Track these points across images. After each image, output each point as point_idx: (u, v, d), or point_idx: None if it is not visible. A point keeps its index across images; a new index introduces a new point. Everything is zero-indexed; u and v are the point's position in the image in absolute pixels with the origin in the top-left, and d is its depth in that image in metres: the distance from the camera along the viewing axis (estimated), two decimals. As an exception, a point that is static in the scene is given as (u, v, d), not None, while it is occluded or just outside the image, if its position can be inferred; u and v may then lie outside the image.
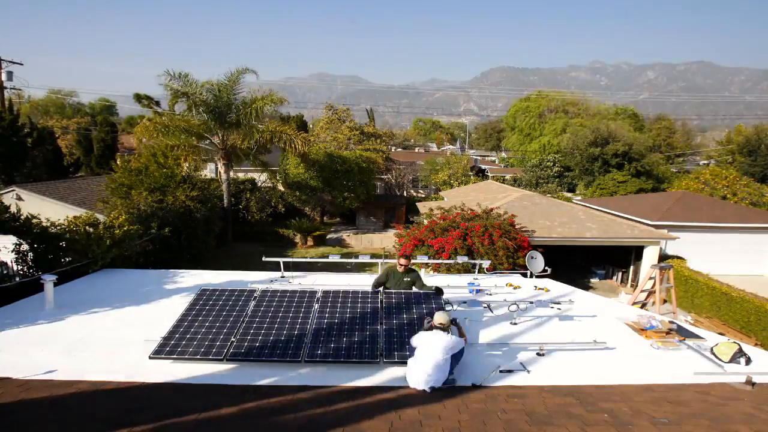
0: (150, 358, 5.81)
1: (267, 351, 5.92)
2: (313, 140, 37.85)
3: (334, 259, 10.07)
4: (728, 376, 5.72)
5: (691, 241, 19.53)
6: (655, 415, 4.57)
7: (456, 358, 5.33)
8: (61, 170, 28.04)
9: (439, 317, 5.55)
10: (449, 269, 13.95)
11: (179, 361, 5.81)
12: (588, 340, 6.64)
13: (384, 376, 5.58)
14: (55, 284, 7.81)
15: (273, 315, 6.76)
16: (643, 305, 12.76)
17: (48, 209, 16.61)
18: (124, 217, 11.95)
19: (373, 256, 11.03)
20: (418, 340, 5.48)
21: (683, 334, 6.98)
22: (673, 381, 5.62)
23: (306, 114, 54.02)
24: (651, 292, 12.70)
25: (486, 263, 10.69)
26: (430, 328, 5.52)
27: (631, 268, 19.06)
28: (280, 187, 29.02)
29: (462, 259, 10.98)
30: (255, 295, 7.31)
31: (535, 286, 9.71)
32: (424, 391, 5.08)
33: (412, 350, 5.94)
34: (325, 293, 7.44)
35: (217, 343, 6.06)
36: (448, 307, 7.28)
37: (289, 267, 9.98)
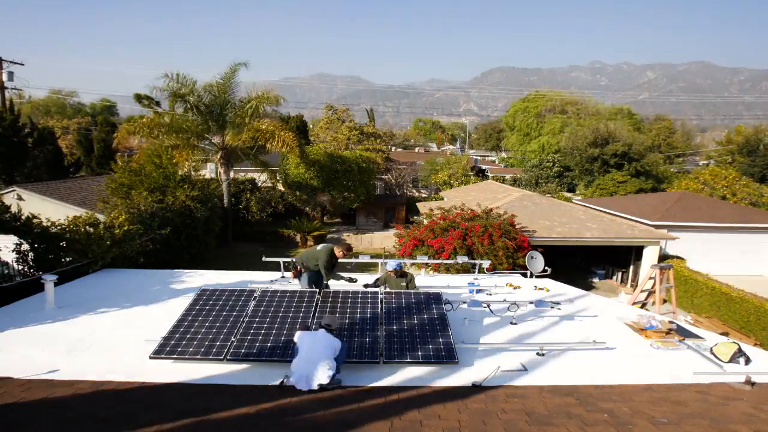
0: (150, 358, 5.82)
1: (267, 351, 5.93)
2: (313, 140, 37.90)
3: (334, 259, 10.05)
4: (728, 376, 5.73)
5: (691, 241, 19.54)
6: (654, 415, 4.58)
7: (339, 360, 5.37)
8: (62, 170, 28.04)
9: (329, 319, 5.66)
10: (449, 269, 13.95)
11: (179, 361, 5.82)
12: (588, 340, 6.65)
13: (384, 376, 5.58)
14: (56, 284, 7.82)
15: (273, 315, 6.77)
16: (643, 305, 12.77)
17: (48, 209, 16.60)
18: (124, 217, 11.96)
19: (373, 256, 11.04)
20: (300, 338, 5.50)
21: (683, 334, 6.99)
22: (672, 381, 5.62)
23: (306, 114, 54.00)
24: (651, 292, 12.71)
25: (486, 263, 10.70)
26: (317, 328, 5.59)
27: (631, 268, 19.06)
28: (280, 187, 29.03)
29: (462, 259, 10.99)
30: (255, 295, 7.32)
31: (535, 286, 9.72)
32: (310, 390, 5.03)
33: (414, 351, 5.96)
34: (325, 293, 7.46)
35: (218, 343, 6.06)
36: (447, 307, 7.28)
37: (289, 267, 9.97)
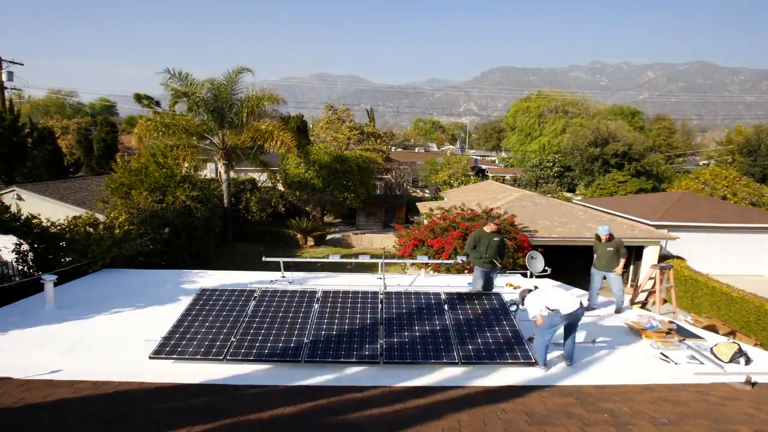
0: (150, 358, 5.82)
1: (267, 351, 5.92)
2: (313, 140, 37.88)
3: (334, 259, 10.06)
4: (728, 376, 5.72)
5: (691, 241, 19.53)
6: (655, 415, 4.57)
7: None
8: (62, 170, 28.04)
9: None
10: (449, 269, 13.94)
11: (179, 361, 5.82)
12: (588, 339, 6.64)
13: (384, 375, 5.58)
14: (56, 284, 7.81)
15: (273, 315, 6.77)
16: (643, 305, 12.75)
17: (48, 209, 16.60)
18: (124, 217, 11.95)
19: (373, 256, 11.02)
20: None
21: (683, 334, 6.98)
22: (673, 381, 5.62)
23: (306, 114, 53.98)
24: (651, 292, 12.68)
25: (486, 263, 10.66)
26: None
27: (631, 267, 19.05)
28: (280, 187, 29.02)
29: (462, 259, 10.98)
30: (255, 295, 7.32)
31: (535, 286, 9.70)
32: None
33: (414, 351, 5.94)
34: (325, 293, 7.45)
35: (217, 343, 6.06)
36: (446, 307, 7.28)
37: (289, 267, 9.98)
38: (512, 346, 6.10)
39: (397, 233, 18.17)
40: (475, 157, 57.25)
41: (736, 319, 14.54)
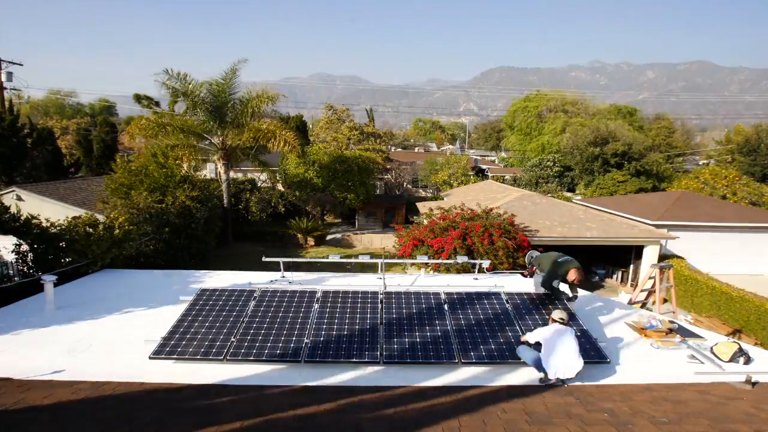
0: (150, 358, 5.82)
1: (267, 351, 5.92)
2: (313, 140, 37.88)
3: (334, 259, 10.05)
4: (728, 375, 5.72)
5: (691, 241, 19.53)
6: (655, 414, 4.57)
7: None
8: (61, 170, 28.06)
9: (559, 314, 5.74)
10: (449, 269, 13.94)
11: (179, 362, 5.81)
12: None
13: (384, 376, 5.58)
14: (55, 284, 7.80)
15: (273, 315, 6.76)
16: (643, 305, 12.75)
17: (48, 210, 16.61)
18: (124, 217, 11.95)
19: (373, 256, 11.02)
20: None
21: (683, 333, 6.98)
22: (673, 381, 5.62)
23: (306, 114, 54.03)
24: (651, 292, 12.69)
25: (486, 263, 10.66)
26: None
27: (631, 267, 19.05)
28: (280, 187, 29.01)
29: (462, 259, 10.96)
30: (255, 295, 7.31)
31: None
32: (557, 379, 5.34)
33: (414, 351, 5.94)
34: (325, 293, 7.45)
35: (217, 344, 6.06)
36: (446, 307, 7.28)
37: (289, 267, 9.96)
38: (513, 347, 6.10)
39: (396, 233, 18.17)
40: (474, 157, 57.27)
41: (736, 319, 14.55)
